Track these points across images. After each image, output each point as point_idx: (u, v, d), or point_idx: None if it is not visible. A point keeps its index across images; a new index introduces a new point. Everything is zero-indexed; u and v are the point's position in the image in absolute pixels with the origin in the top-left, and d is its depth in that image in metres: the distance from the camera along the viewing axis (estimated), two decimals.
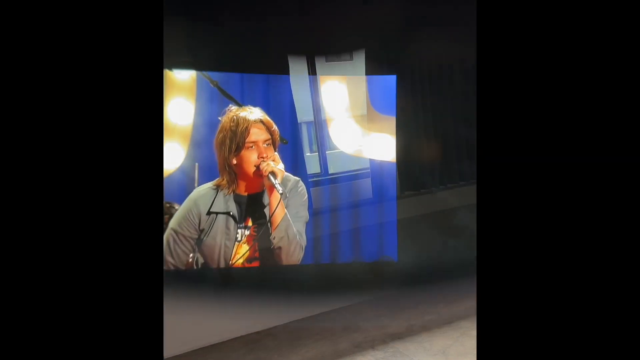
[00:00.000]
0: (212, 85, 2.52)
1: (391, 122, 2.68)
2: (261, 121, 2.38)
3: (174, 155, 2.54)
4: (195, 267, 2.44)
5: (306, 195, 2.50)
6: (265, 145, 2.36)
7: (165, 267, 2.40)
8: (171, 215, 2.47)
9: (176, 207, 2.49)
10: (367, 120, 2.66)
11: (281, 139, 2.53)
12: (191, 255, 2.44)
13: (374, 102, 2.65)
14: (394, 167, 2.71)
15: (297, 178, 2.49)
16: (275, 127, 2.41)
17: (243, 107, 2.40)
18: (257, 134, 2.35)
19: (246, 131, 2.33)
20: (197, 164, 2.53)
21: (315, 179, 2.58)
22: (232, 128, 2.34)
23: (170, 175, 2.52)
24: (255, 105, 2.46)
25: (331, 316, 2.48)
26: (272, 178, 2.33)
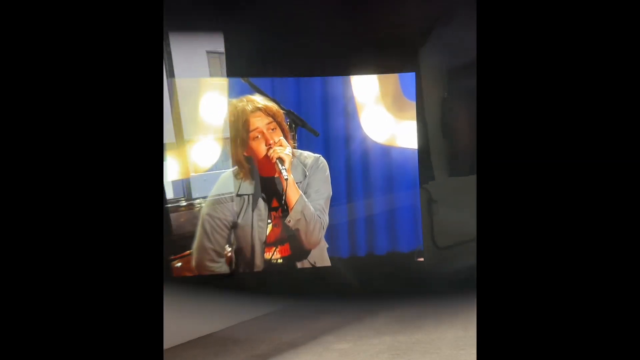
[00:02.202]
0: (244, 81, 2.57)
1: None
2: (258, 109, 2.41)
3: (210, 153, 2.61)
4: (233, 266, 2.49)
5: (327, 171, 2.53)
6: (270, 130, 2.40)
7: (207, 255, 2.45)
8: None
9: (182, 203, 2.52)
10: (399, 108, 2.64)
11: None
12: (229, 248, 2.49)
13: (405, 90, 2.64)
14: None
15: (318, 155, 2.53)
16: (277, 108, 2.43)
17: (241, 98, 2.45)
18: (258, 122, 2.40)
19: (246, 122, 2.39)
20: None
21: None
22: (234, 123, 2.40)
23: (207, 172, 2.59)
24: (285, 103, 2.49)
25: (202, 342, 2.46)
26: (279, 164, 2.38)
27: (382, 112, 2.65)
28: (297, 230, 2.43)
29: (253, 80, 2.53)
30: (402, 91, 2.64)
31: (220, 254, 2.49)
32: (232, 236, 2.49)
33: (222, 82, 2.56)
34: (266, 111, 2.41)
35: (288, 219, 2.42)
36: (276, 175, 2.44)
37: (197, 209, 2.57)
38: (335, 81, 2.62)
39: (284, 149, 2.39)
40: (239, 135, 2.40)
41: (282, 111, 2.45)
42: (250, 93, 2.47)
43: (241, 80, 2.57)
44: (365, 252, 2.68)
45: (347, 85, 2.62)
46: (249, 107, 2.41)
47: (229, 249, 2.50)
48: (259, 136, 2.39)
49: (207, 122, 2.60)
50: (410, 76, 2.66)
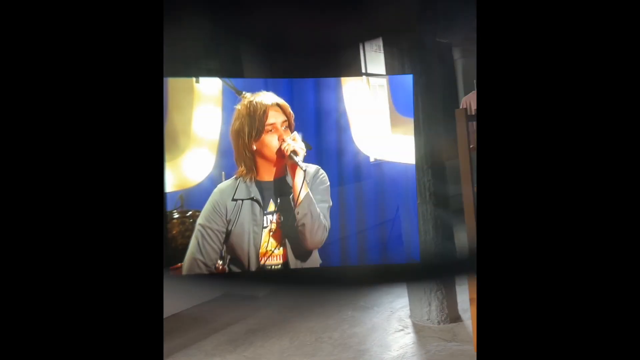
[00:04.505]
0: (238, 96, 2.60)
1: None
2: (277, 104, 2.50)
3: (202, 165, 2.63)
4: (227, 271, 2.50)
5: (328, 182, 2.60)
6: (283, 127, 2.49)
7: (197, 269, 2.46)
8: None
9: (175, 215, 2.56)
10: (390, 123, 2.69)
11: (306, 144, 2.58)
12: (220, 261, 2.49)
13: (397, 104, 2.69)
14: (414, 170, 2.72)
15: (317, 166, 2.60)
16: (290, 110, 2.53)
17: (256, 92, 2.52)
18: (275, 116, 2.48)
19: (264, 115, 2.46)
20: (223, 172, 2.60)
21: None
22: (250, 114, 2.47)
23: (199, 185, 2.61)
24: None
25: None
26: (294, 157, 2.45)
27: (374, 127, 2.70)
28: (303, 225, 2.46)
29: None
30: (394, 106, 2.70)
31: (210, 269, 2.49)
32: (224, 249, 2.49)
33: (217, 91, 2.60)
34: (282, 109, 2.50)
35: (296, 210, 2.46)
36: (286, 173, 2.49)
37: (190, 221, 2.58)
38: (327, 94, 2.67)
39: (297, 143, 2.47)
40: (254, 126, 2.45)
41: (292, 113, 2.53)
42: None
43: (237, 96, 2.61)
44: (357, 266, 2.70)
45: (340, 98, 2.68)
46: (268, 101, 2.48)
47: (220, 262, 2.50)
48: (272, 130, 2.46)
49: (199, 133, 2.62)
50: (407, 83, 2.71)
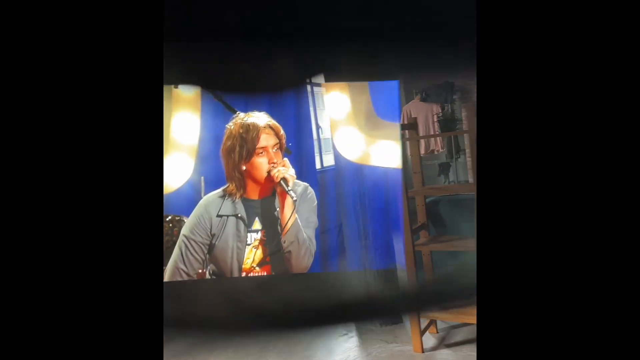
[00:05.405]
0: (216, 100, 2.59)
1: (395, 128, 2.72)
2: (269, 126, 2.47)
3: (181, 170, 2.62)
4: (208, 277, 2.49)
5: (316, 201, 2.59)
6: (274, 150, 2.46)
7: (179, 277, 2.44)
8: (180, 228, 2.52)
9: (185, 219, 2.54)
10: (372, 127, 2.71)
11: (286, 149, 2.58)
12: (201, 269, 2.47)
13: (377, 109, 2.71)
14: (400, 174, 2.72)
15: (306, 184, 2.59)
16: (282, 131, 2.51)
17: (249, 113, 2.50)
18: (267, 140, 2.45)
19: (256, 137, 2.43)
20: (202, 177, 2.59)
21: None
22: (242, 135, 2.44)
23: (178, 190, 2.59)
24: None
25: None
26: (283, 184, 2.42)
27: (355, 131, 2.72)
28: (289, 252, 2.47)
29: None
30: (374, 110, 2.71)
31: (192, 277, 2.48)
32: (207, 258, 2.48)
33: (195, 95, 2.59)
34: (275, 131, 2.47)
35: (283, 239, 2.46)
36: (274, 192, 2.49)
37: (170, 226, 2.55)
38: (307, 99, 2.67)
39: (288, 170, 2.44)
40: (247, 147, 2.42)
41: (284, 134, 2.51)
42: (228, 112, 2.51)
43: (213, 99, 2.60)
44: (338, 270, 2.69)
45: (320, 103, 2.68)
46: (261, 123, 2.45)
47: (200, 270, 2.48)
48: (263, 153, 2.43)
49: (178, 138, 2.60)
50: (391, 88, 2.72)
